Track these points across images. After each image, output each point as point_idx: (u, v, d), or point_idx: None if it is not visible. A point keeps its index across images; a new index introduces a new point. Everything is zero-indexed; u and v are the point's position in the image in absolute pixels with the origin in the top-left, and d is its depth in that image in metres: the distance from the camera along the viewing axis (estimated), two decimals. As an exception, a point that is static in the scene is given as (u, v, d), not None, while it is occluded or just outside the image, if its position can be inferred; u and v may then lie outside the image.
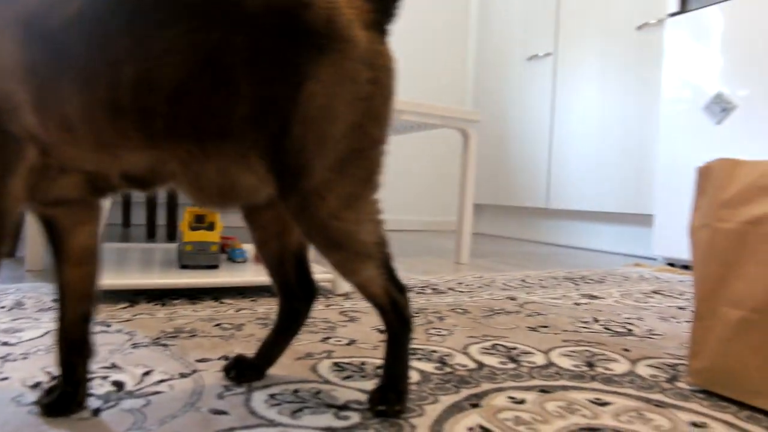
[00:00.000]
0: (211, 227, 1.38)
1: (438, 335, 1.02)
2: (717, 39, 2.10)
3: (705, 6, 2.15)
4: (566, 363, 0.88)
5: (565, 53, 3.10)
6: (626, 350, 0.97)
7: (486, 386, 0.76)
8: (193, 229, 1.36)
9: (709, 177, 0.81)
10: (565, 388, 0.77)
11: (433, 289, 1.51)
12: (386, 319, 0.67)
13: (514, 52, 3.51)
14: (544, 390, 0.75)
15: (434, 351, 0.91)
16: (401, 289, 0.68)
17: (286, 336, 0.76)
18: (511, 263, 2.20)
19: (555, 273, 1.94)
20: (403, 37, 3.71)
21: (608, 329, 1.13)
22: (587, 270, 2.07)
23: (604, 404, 0.71)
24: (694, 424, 0.66)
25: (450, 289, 1.52)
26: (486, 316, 1.19)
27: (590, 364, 0.88)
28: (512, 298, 1.42)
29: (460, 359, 0.88)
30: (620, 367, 0.88)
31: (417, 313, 1.18)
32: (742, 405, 0.72)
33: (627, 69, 2.74)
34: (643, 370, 0.87)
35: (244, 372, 0.74)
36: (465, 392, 0.73)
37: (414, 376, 0.78)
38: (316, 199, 0.59)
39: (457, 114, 1.98)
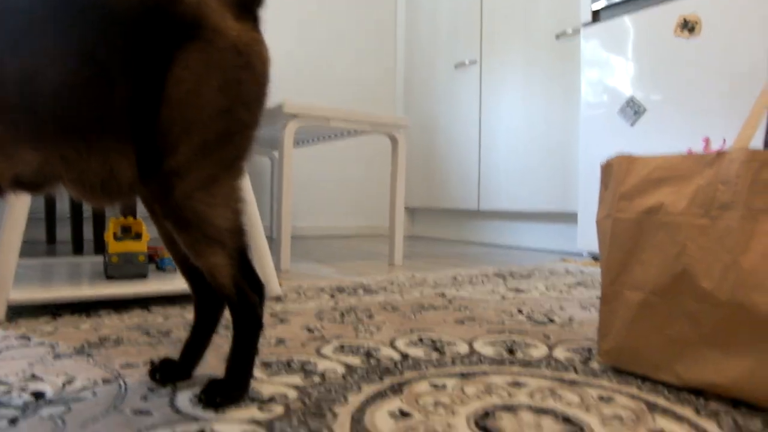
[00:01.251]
0: (138, 237, 1.36)
1: (366, 331, 1.04)
2: (628, 47, 2.22)
3: (615, 17, 2.27)
4: (488, 351, 0.92)
5: (490, 61, 3.20)
6: (546, 337, 1.02)
7: (409, 375, 0.78)
8: (119, 239, 1.34)
9: (610, 172, 0.86)
10: (485, 373, 0.80)
11: (365, 289, 1.53)
12: (233, 313, 0.67)
13: (442, 60, 3.60)
14: (464, 375, 0.79)
15: (361, 346, 0.94)
16: (257, 286, 0.68)
17: (205, 334, 0.77)
18: (443, 263, 2.25)
19: (485, 270, 1.99)
20: (332, 44, 3.74)
21: (531, 319, 1.18)
22: (516, 266, 2.14)
23: (520, 385, 0.75)
24: (601, 398, 0.71)
25: (382, 288, 1.55)
26: (415, 312, 1.22)
27: (511, 351, 0.92)
28: (442, 295, 1.46)
29: (386, 352, 0.90)
30: (539, 352, 0.92)
31: (345, 313, 1.21)
32: (645, 379, 0.78)
33: (548, 75, 2.85)
34: (560, 354, 0.91)
35: (170, 373, 0.74)
36: (388, 381, 0.76)
37: (339, 369, 0.80)
38: (175, 179, 0.61)
39: (385, 120, 2.02)
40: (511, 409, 0.66)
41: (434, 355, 0.89)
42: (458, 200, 3.44)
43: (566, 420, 0.63)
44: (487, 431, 0.60)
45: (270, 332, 1.03)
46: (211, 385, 0.66)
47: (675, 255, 0.74)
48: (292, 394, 0.70)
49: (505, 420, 0.63)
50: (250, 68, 0.63)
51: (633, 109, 2.20)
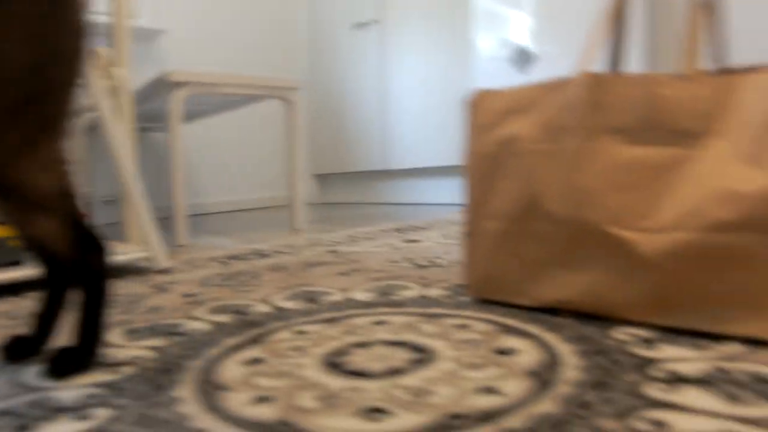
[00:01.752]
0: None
1: (244, 291, 1.03)
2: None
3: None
4: (363, 296, 0.93)
5: (390, 20, 3.19)
6: (423, 279, 1.05)
7: (275, 325, 0.78)
8: (-15, 224, 1.26)
9: (472, 109, 0.88)
10: (350, 316, 0.81)
11: (260, 254, 1.51)
12: (75, 279, 0.64)
13: (343, 20, 3.55)
14: (330, 320, 0.79)
15: (236, 305, 0.93)
16: (97, 248, 0.65)
17: (54, 307, 0.73)
18: (347, 225, 2.26)
19: (385, 227, 2.01)
20: (235, 13, 3.62)
21: (415, 264, 1.20)
22: (417, 221, 2.17)
23: (383, 324, 0.76)
24: (458, 326, 0.73)
25: (276, 252, 1.53)
26: (302, 270, 1.22)
27: (384, 294, 0.94)
28: (333, 252, 1.46)
29: (259, 308, 0.89)
30: (411, 293, 0.94)
31: (230, 278, 1.19)
32: (507, 305, 0.81)
33: (447, 31, 2.88)
34: (433, 292, 0.93)
35: (20, 350, 0.71)
36: (252, 333, 0.75)
37: (206, 328, 0.79)
38: None
39: (277, 83, 1.98)
40: (365, 345, 0.67)
41: (308, 306, 0.89)
42: (366, 162, 3.44)
43: (417, 349, 0.65)
44: (335, 366, 0.60)
45: (146, 302, 1.00)
46: (58, 355, 0.64)
47: (525, 181, 0.76)
48: (150, 354, 0.68)
49: (356, 355, 0.64)
50: (58, 17, 0.59)
51: (524, 58, 2.25)
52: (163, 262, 1.34)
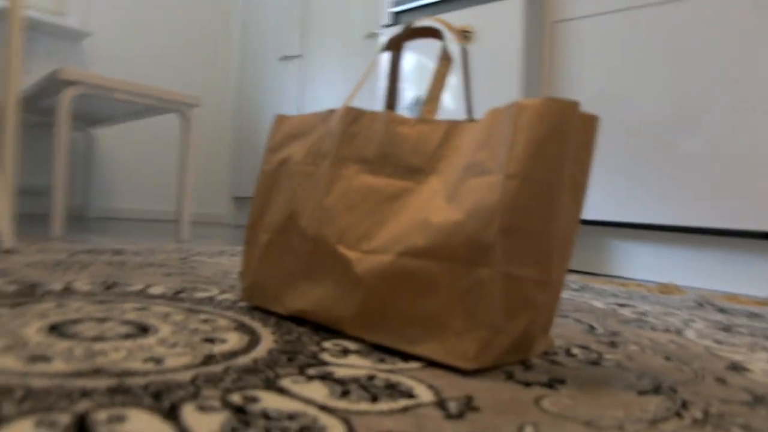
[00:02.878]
0: None
1: (57, 274, 1.07)
2: (418, 49, 2.41)
3: (408, 20, 2.46)
4: (156, 290, 0.99)
5: (311, 54, 3.35)
6: (233, 287, 1.11)
7: (48, 299, 0.83)
8: None
9: (270, 131, 0.96)
10: (122, 302, 0.87)
11: (114, 252, 1.55)
12: None
13: (270, 52, 3.69)
14: (101, 302, 0.85)
15: (35, 281, 0.97)
16: None
17: None
18: (239, 242, 2.31)
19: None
20: (169, 28, 3.70)
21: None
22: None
23: (143, 310, 0.82)
24: (202, 320, 0.79)
25: (134, 253, 1.58)
26: (135, 268, 1.27)
27: (179, 292, 1.00)
28: (185, 259, 1.51)
29: (54, 286, 0.94)
30: (205, 294, 1.00)
31: (60, 263, 1.23)
32: (267, 312, 0.88)
33: (358, 65, 3.06)
34: (225, 296, 1.00)
35: None
36: (18, 300, 0.80)
37: (-22, 297, 0.83)
38: None
39: (174, 96, 2.05)
40: (103, 320, 0.73)
41: (98, 291, 0.94)
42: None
43: (142, 327, 0.71)
44: (54, 329, 0.66)
45: (-48, 274, 1.03)
46: None
47: (290, 198, 0.85)
48: None
49: (83, 325, 0.70)
50: None
51: (419, 108, 2.38)
52: (7, 243, 1.37)
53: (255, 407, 0.47)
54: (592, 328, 0.98)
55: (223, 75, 4.02)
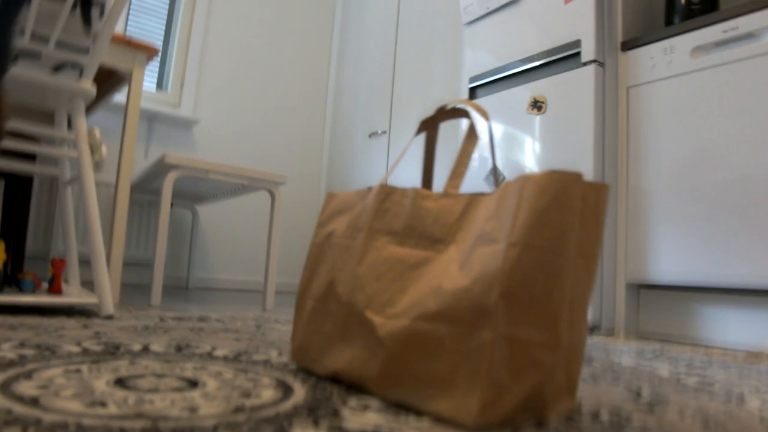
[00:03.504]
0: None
1: (142, 337, 1.21)
2: (497, 120, 2.50)
3: (487, 95, 2.55)
4: (221, 353, 1.09)
5: (397, 131, 3.52)
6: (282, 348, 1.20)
7: (125, 357, 0.95)
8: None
9: (323, 207, 1.07)
10: (186, 361, 0.97)
11: (200, 319, 1.69)
12: None
13: (359, 129, 3.92)
14: (167, 361, 0.96)
15: (120, 342, 1.10)
16: None
17: None
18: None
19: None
20: (266, 118, 4.03)
21: (306, 343, 1.35)
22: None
23: (201, 369, 0.92)
24: (249, 379, 0.88)
25: (217, 320, 1.71)
26: (210, 333, 1.39)
27: (240, 354, 1.10)
28: (259, 326, 1.63)
29: (134, 347, 1.07)
30: (262, 356, 1.09)
31: (147, 328, 1.37)
32: (310, 373, 0.95)
33: (441, 144, 3.17)
34: (280, 359, 1.08)
35: None
36: (100, 357, 0.93)
37: (95, 348, 0.97)
38: None
39: (263, 176, 2.24)
40: (162, 376, 0.84)
41: (170, 352, 1.06)
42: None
43: (191, 382, 0.81)
44: (119, 382, 0.77)
45: (56, 328, 1.19)
46: None
47: (331, 268, 0.94)
48: None
49: (144, 380, 0.80)
50: None
51: (496, 177, 2.44)
52: (108, 309, 1.55)
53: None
54: (638, 395, 0.97)
55: (315, 153, 4.29)
